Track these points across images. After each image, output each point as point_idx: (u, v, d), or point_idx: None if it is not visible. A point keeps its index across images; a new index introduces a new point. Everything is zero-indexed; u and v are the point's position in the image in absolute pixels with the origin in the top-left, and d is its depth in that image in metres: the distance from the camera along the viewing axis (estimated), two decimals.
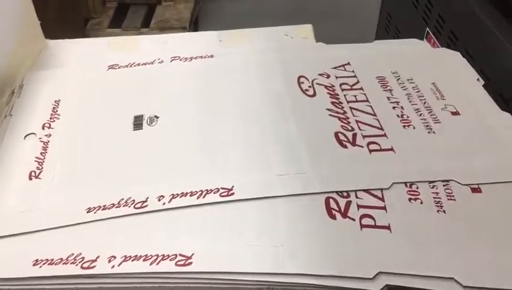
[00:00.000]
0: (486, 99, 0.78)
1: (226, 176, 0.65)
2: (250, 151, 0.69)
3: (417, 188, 0.63)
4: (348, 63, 0.84)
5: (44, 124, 0.76)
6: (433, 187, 0.63)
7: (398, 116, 0.71)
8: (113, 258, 0.56)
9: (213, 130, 0.74)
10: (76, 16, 2.17)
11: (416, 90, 0.78)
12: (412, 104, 0.76)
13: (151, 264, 0.55)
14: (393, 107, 0.75)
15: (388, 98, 0.77)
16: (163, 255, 0.56)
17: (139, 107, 0.79)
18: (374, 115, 0.74)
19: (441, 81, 0.81)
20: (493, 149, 0.65)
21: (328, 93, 0.79)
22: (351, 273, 0.53)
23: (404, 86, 0.80)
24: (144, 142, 0.72)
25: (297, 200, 0.62)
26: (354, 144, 0.67)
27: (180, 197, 0.61)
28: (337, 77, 0.82)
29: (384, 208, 0.60)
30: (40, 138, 0.73)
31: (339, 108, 0.76)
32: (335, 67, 0.83)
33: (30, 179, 0.67)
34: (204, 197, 0.61)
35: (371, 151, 0.66)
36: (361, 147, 0.66)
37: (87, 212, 0.60)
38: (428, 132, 0.70)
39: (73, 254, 0.57)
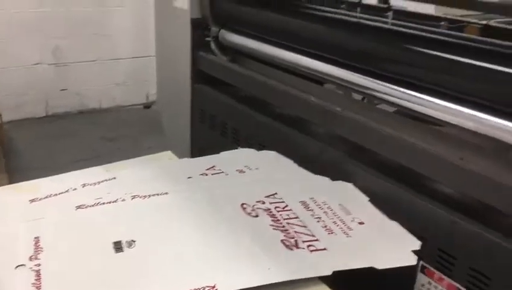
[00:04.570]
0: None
1: (207, 273, 0.85)
2: (220, 256, 0.93)
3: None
4: (276, 193, 1.16)
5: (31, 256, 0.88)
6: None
7: (322, 227, 1.03)
8: None
9: (184, 244, 0.96)
10: None
11: (330, 209, 1.11)
12: (330, 218, 1.07)
13: None
14: (317, 221, 1.06)
15: (312, 215, 1.09)
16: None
17: (114, 235, 0.96)
18: (305, 227, 1.03)
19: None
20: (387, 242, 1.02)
21: (268, 214, 1.07)
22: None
23: (320, 207, 1.12)
24: (127, 262, 0.89)
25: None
26: (297, 247, 0.95)
27: None
28: (270, 203, 1.13)
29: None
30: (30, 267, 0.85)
31: (278, 224, 1.03)
32: (267, 196, 1.15)
33: None
34: None
35: (311, 251, 0.94)
36: (303, 248, 0.95)
37: None
38: (346, 236, 1.02)
39: None
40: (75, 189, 1.15)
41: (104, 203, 1.08)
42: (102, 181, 1.20)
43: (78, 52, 3.77)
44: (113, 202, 1.09)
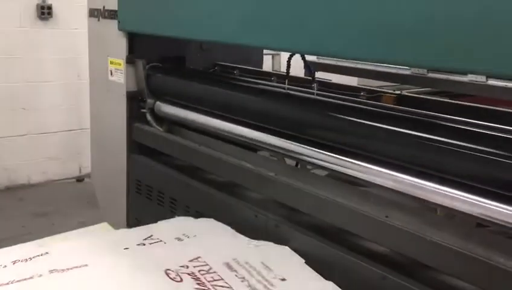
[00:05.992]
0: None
1: None
2: None
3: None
4: (199, 257, 1.18)
5: None
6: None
7: (246, 286, 1.09)
8: None
9: None
10: None
11: (253, 269, 1.15)
12: (253, 277, 1.12)
13: None
14: (242, 281, 1.11)
15: (236, 275, 1.13)
16: None
17: None
18: (230, 287, 1.08)
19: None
20: None
21: (192, 278, 1.10)
22: None
23: (243, 267, 1.16)
24: None
25: None
26: None
27: None
28: (194, 266, 1.15)
29: None
30: None
31: (203, 287, 1.07)
32: (191, 260, 1.17)
33: None
34: None
35: None
36: None
37: None
38: None
39: None
40: (5, 266, 1.11)
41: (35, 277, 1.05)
42: (34, 257, 1.15)
43: (6, 126, 3.68)
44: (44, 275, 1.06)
